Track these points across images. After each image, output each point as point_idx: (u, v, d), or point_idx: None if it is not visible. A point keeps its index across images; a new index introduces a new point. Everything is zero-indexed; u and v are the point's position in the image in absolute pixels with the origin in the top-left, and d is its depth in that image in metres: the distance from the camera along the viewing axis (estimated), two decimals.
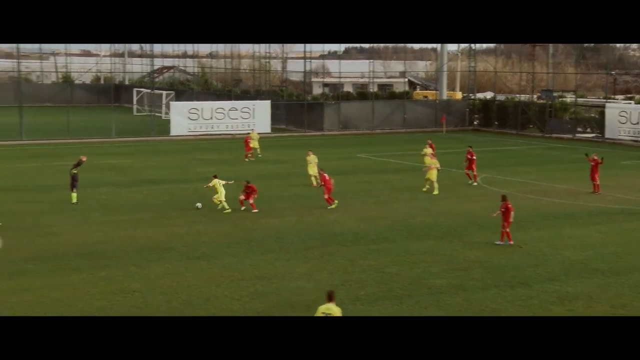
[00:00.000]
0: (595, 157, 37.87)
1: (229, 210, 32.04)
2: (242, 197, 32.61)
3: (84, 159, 35.60)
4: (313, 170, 38.70)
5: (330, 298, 15.98)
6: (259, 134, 53.60)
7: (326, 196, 33.60)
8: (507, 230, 27.00)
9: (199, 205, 32.98)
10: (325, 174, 34.20)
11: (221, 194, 32.40)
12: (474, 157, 40.36)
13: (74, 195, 34.06)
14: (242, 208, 32.47)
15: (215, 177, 32.83)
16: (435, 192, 36.82)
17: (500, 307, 20.37)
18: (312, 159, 39.25)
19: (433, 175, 37.10)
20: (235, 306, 20.14)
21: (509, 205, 27.05)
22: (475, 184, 39.75)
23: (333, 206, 33.35)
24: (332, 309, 15.69)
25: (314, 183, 38.34)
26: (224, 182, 32.62)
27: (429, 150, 41.43)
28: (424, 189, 37.30)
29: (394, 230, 29.41)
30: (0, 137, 59.13)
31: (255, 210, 32.13)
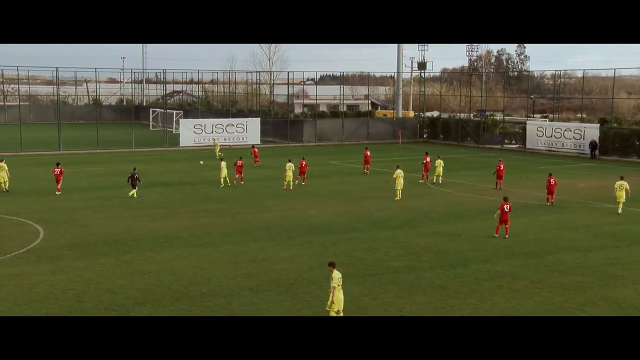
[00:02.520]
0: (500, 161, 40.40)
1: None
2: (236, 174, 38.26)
3: (136, 170, 36.29)
4: (289, 176, 37.75)
5: (333, 266, 16.58)
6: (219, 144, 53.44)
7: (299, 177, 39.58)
8: (507, 225, 26.66)
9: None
10: (303, 162, 40.20)
11: (288, 175, 36.92)
12: (428, 161, 41.01)
13: (134, 191, 34.83)
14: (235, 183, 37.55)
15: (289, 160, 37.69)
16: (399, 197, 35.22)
17: (444, 283, 20.43)
18: (290, 166, 38.11)
19: (400, 183, 35.38)
20: (231, 284, 20.04)
21: (509, 205, 26.79)
22: (425, 183, 39.88)
23: (303, 183, 39.20)
24: (340, 273, 16.52)
25: (285, 186, 37.45)
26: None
27: (441, 162, 40.91)
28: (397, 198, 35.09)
29: (360, 222, 29.41)
30: (44, 148, 58.52)
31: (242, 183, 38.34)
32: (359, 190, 38.19)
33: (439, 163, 41.26)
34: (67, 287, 19.55)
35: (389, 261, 22.97)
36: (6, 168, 36.52)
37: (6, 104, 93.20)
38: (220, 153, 51.98)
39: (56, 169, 36.42)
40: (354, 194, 37.08)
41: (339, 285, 16.27)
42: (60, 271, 21.19)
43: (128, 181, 35.39)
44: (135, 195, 34.82)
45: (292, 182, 37.74)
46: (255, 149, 51.14)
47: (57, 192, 35.59)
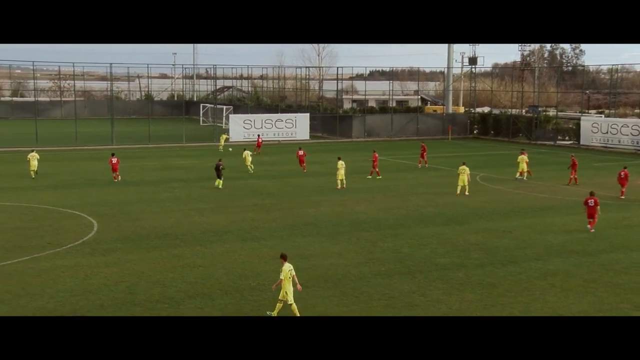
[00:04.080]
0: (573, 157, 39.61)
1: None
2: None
3: (221, 161, 38.04)
4: (341, 175, 37.01)
5: (284, 258, 17.01)
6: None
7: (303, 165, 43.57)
8: (593, 220, 26.63)
9: (230, 149, 42.05)
10: (300, 152, 44.63)
11: (340, 174, 36.82)
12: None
13: (220, 181, 36.63)
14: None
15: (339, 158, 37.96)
16: (467, 192, 35.06)
17: (494, 281, 20.15)
18: (341, 164, 37.46)
19: (463, 180, 35.20)
20: (279, 279, 20.09)
21: (596, 200, 26.67)
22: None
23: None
24: (291, 265, 16.88)
25: (340, 186, 36.76)
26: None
27: (524, 158, 40.56)
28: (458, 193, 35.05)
29: (408, 219, 29.24)
30: (97, 142, 59.87)
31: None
32: (406, 187, 37.95)
33: (522, 159, 40.68)
34: (119, 279, 19.97)
35: (437, 258, 22.78)
36: (37, 157, 40.64)
37: (62, 99, 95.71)
38: (228, 149, 52.24)
39: (113, 159, 39.76)
40: (402, 190, 36.87)
41: (288, 278, 16.60)
42: (113, 264, 21.66)
43: (215, 171, 37.24)
44: (220, 186, 36.28)
45: (344, 181, 37.16)
46: (260, 139, 56.15)
47: (115, 180, 38.89)
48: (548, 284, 20.01)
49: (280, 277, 16.70)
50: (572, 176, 39.04)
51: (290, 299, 16.61)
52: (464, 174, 35.32)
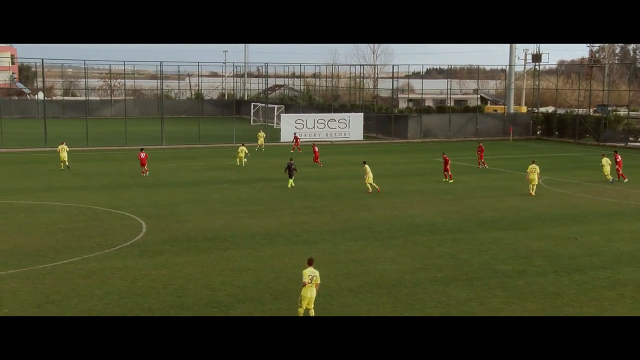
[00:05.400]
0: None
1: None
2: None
3: (292, 161, 39.39)
4: (369, 179, 36.03)
5: (310, 263, 16.87)
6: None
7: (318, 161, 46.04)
8: None
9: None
10: (315, 147, 48.52)
11: (369, 178, 35.89)
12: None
13: (291, 181, 37.66)
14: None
15: (364, 163, 37.27)
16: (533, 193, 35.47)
17: (558, 290, 19.72)
18: (367, 168, 36.30)
19: (534, 179, 35.56)
20: (331, 283, 20.11)
21: None
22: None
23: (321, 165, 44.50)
24: (315, 272, 16.62)
25: (371, 189, 35.99)
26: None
27: (607, 161, 40.37)
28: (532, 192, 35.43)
29: (466, 223, 28.88)
30: (146, 142, 60.95)
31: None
32: (464, 189, 37.51)
33: (606, 161, 40.37)
34: (168, 282, 20.29)
35: (497, 264, 22.42)
36: (67, 149, 43.65)
37: (113, 98, 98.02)
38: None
39: (141, 154, 42.13)
40: (459, 192, 36.45)
41: (309, 283, 16.47)
42: (162, 266, 22.02)
43: (285, 172, 38.10)
44: (293, 185, 37.28)
45: (373, 184, 36.21)
46: (298, 137, 58.07)
47: (143, 174, 41.47)
48: (617, 294, 19.47)
49: (303, 281, 16.68)
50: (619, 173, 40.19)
51: (304, 305, 16.56)
52: (534, 173, 35.45)
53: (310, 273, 16.60)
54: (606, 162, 40.16)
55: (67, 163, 43.68)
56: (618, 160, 40.55)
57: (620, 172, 40.32)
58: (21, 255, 23.01)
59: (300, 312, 16.74)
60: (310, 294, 16.56)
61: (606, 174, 40.04)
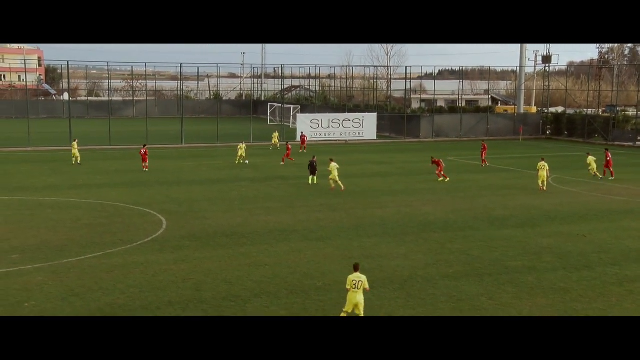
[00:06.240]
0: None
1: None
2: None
3: (315, 158, 39.03)
4: (334, 175, 35.38)
5: (356, 269, 16.19)
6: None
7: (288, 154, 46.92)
8: None
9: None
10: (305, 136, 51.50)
11: (334, 175, 35.20)
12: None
13: (313, 177, 37.71)
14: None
15: (331, 160, 36.26)
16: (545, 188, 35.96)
17: (567, 286, 19.63)
18: (333, 166, 35.67)
19: (542, 176, 36.09)
20: (346, 279, 20.10)
21: None
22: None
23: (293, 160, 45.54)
24: (361, 277, 16.00)
25: (333, 186, 35.53)
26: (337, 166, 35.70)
27: (592, 159, 40.55)
28: (544, 188, 35.97)
29: (477, 220, 28.80)
30: (166, 141, 61.35)
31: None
32: (475, 188, 37.38)
33: (591, 160, 40.49)
34: (187, 276, 20.41)
35: (507, 261, 22.34)
36: (77, 146, 45.99)
37: (134, 99, 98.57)
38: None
39: (142, 149, 43.48)
40: (471, 191, 36.33)
41: (352, 288, 15.87)
42: (182, 261, 22.15)
43: (309, 169, 38.06)
44: (315, 182, 37.33)
45: (337, 182, 35.50)
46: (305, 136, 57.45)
47: (144, 169, 42.63)
48: (626, 290, 19.35)
49: (346, 287, 16.25)
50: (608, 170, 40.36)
51: (348, 309, 16.02)
52: (544, 170, 35.84)
53: (355, 278, 15.95)
54: (591, 160, 40.19)
55: (78, 160, 45.56)
56: (608, 158, 40.58)
57: (611, 170, 40.30)
58: (47, 250, 23.24)
59: (343, 315, 16.22)
60: (355, 299, 15.90)
61: (593, 171, 40.02)
